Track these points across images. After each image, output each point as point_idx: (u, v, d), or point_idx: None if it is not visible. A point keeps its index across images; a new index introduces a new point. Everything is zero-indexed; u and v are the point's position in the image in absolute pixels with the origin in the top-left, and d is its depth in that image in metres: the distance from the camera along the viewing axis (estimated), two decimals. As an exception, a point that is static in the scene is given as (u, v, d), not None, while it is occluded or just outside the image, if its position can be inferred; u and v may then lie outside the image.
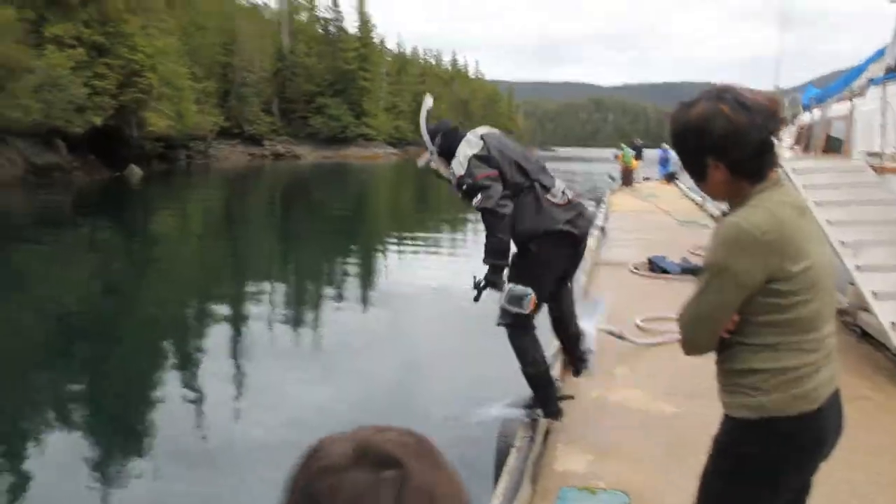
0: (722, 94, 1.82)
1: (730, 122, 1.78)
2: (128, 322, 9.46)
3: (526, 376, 4.10)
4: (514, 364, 4.10)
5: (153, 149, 43.29)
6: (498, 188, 3.71)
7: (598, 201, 18.99)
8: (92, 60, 36.29)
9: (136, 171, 37.76)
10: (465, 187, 3.80)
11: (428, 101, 4.22)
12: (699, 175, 1.91)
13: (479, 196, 3.72)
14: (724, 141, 1.79)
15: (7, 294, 10.69)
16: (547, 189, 3.90)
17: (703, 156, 1.85)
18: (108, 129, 37.67)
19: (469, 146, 3.85)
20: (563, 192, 3.96)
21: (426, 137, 4.06)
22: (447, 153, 3.97)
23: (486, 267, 3.87)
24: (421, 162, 4.20)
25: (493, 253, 3.82)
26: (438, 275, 12.64)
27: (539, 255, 3.86)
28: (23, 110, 29.97)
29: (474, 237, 19.13)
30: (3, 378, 7.00)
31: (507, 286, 3.88)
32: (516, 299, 3.83)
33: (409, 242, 17.63)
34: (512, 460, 3.36)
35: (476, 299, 3.97)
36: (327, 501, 0.69)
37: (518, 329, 3.94)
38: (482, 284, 3.92)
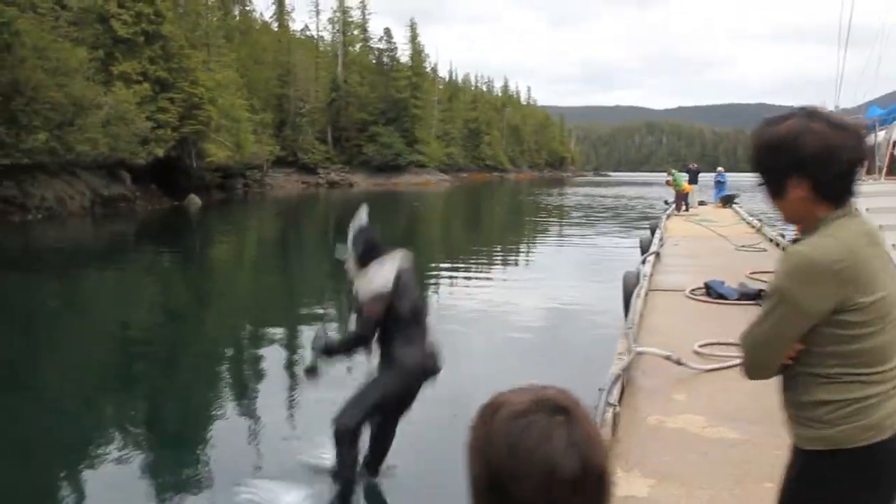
0: (812, 113, 1.80)
1: (822, 139, 1.74)
2: (187, 346, 9.74)
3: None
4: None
5: (212, 179, 44.75)
6: (374, 324, 4.34)
7: (654, 228, 18.77)
8: (155, 95, 37.82)
9: (195, 201, 38.99)
10: (358, 308, 4.44)
11: (363, 213, 4.78)
12: (778, 192, 1.86)
13: (362, 322, 4.38)
14: (813, 158, 1.75)
15: (75, 318, 11.15)
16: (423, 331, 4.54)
17: (787, 173, 1.80)
18: (169, 160, 39.08)
19: (380, 279, 4.37)
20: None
21: (350, 241, 4.62)
22: (363, 262, 4.52)
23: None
24: (341, 257, 4.68)
25: (339, 347, 4.53)
26: (491, 299, 12.68)
27: (400, 371, 4.42)
28: (91, 144, 31.33)
29: (526, 265, 19.13)
30: (70, 397, 7.29)
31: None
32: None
33: (461, 268, 17.71)
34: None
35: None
36: (523, 436, 0.94)
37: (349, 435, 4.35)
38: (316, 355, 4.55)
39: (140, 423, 6.69)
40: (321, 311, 12.29)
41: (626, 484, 3.74)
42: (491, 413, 0.99)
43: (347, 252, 4.59)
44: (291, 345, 9.51)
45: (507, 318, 11.22)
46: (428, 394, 4.68)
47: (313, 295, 14.28)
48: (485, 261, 19.54)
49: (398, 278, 4.40)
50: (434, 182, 77.77)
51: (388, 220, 36.43)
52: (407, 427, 4.80)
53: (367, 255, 4.53)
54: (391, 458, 4.82)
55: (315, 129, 69.92)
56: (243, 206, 43.12)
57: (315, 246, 25.05)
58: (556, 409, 0.97)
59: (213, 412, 6.85)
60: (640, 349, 5.69)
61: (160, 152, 37.20)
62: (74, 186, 33.14)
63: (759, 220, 18.15)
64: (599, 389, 4.53)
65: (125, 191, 36.56)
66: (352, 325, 4.54)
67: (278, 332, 10.41)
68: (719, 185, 29.74)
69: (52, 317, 11.68)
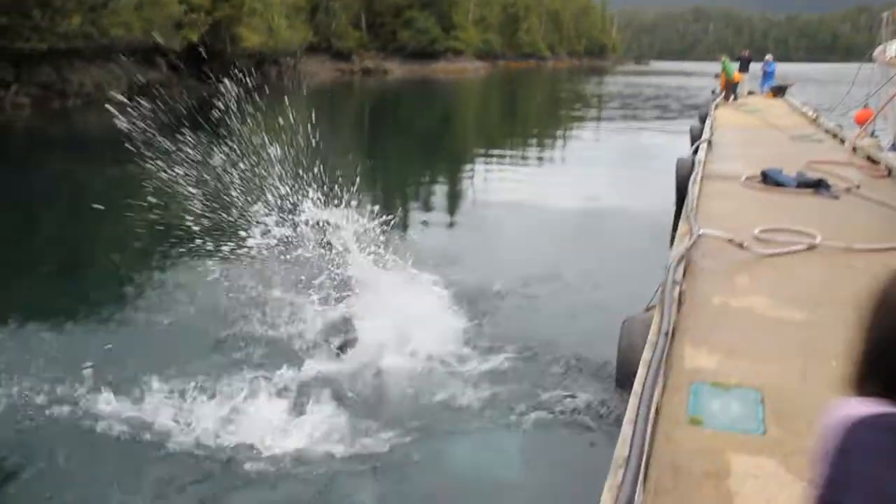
0: None
1: None
2: (224, 231, 9.70)
3: None
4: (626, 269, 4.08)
5: (246, 65, 43.97)
6: None
7: (703, 116, 18.19)
8: (187, -24, 36.82)
9: (230, 87, 38.61)
10: None
11: None
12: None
13: None
14: None
15: (117, 204, 11.25)
16: None
17: None
18: (204, 46, 38.46)
19: None
20: None
21: None
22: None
23: None
24: None
25: None
26: (533, 189, 12.59)
27: None
28: (125, 27, 30.86)
29: (567, 155, 18.83)
30: (118, 268, 7.49)
31: None
32: None
33: (501, 158, 17.51)
34: (647, 353, 3.40)
35: None
36: None
37: None
38: None
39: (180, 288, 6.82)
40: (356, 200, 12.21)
41: (694, 358, 3.78)
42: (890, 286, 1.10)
43: None
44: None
45: (551, 208, 11.16)
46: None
47: (347, 183, 14.23)
48: (525, 151, 19.28)
49: None
50: (470, 69, 75.81)
51: (424, 107, 35.89)
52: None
53: None
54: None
55: (349, 15, 67.77)
56: (279, 92, 42.58)
57: (349, 134, 24.86)
58: None
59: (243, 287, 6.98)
60: (702, 231, 5.62)
61: (194, 37, 36.62)
62: (111, 72, 32.95)
63: (815, 111, 17.45)
64: (665, 268, 4.52)
65: (160, 76, 36.28)
66: None
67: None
68: (767, 74, 28.44)
69: (99, 200, 11.88)
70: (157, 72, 36.36)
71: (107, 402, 4.54)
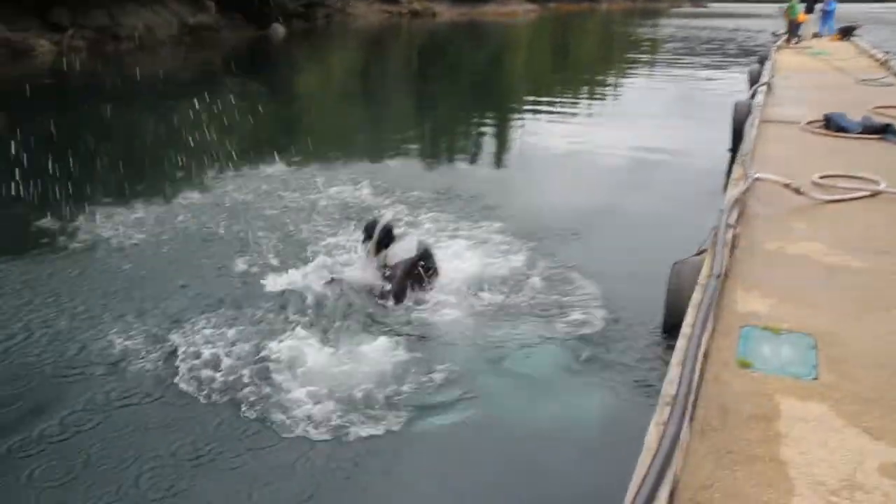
0: None
1: None
2: (274, 166, 9.80)
3: None
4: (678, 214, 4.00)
5: (294, 7, 43.79)
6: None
7: (762, 59, 17.47)
8: (235, -85, 36.40)
9: (279, 30, 38.53)
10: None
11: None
12: None
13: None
14: None
15: (166, 142, 11.45)
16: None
17: None
18: (252, -12, 38.27)
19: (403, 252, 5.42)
20: None
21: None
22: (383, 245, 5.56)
23: None
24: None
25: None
26: (578, 133, 12.37)
27: None
28: (175, -32, 30.87)
29: (614, 98, 18.36)
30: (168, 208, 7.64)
31: None
32: None
33: (551, 104, 17.18)
34: (697, 295, 3.34)
35: None
36: None
37: None
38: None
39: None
40: (402, 142, 12.21)
41: (746, 302, 3.71)
42: None
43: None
44: (371, 172, 9.47)
45: (603, 151, 10.96)
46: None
47: (395, 127, 14.22)
48: (576, 95, 18.88)
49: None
50: (521, 12, 73.90)
51: (473, 51, 35.27)
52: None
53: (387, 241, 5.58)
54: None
55: (397, -45, 66.41)
56: (326, 35, 42.41)
57: (397, 75, 24.65)
58: None
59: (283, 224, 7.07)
60: (757, 175, 5.45)
61: (243, -22, 36.45)
62: (162, 15, 33.15)
63: (885, 53, 16.58)
64: (720, 210, 4.41)
65: (210, 20, 36.35)
66: None
67: (363, 162, 10.46)
68: (826, 14, 26.95)
69: (152, 143, 12.13)
70: (207, 14, 36.39)
71: (148, 341, 4.71)
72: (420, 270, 5.31)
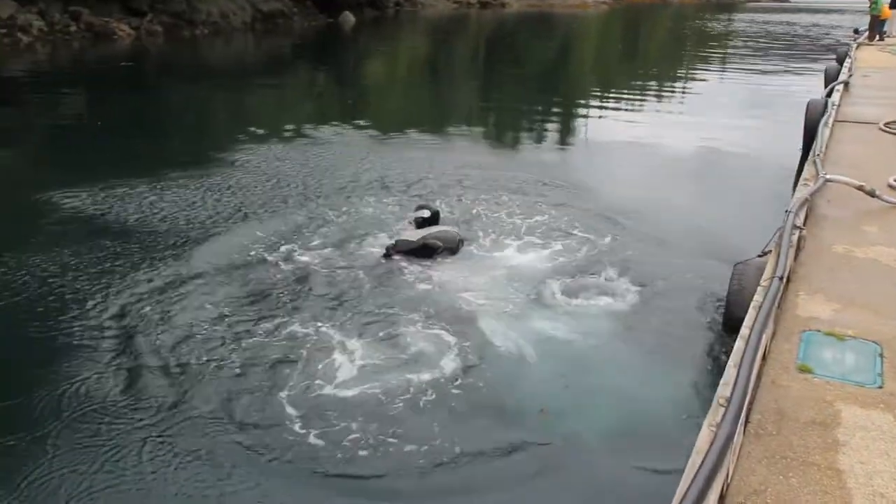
0: None
1: None
2: (339, 151, 9.94)
3: None
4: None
5: (365, -4, 44.32)
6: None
7: (841, 57, 16.78)
8: None
9: (349, 18, 38.98)
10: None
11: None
12: None
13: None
14: None
15: (243, 126, 11.76)
16: None
17: None
18: (324, -24, 38.81)
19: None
20: None
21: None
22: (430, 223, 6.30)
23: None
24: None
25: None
26: (646, 128, 12.14)
27: None
28: (250, -44, 31.50)
29: (683, 93, 17.93)
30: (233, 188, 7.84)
31: None
32: None
33: (620, 98, 16.91)
34: (758, 297, 3.27)
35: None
36: None
37: None
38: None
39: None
40: (467, 128, 12.21)
41: (808, 306, 3.61)
42: None
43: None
44: (437, 159, 9.49)
45: (670, 147, 10.75)
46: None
47: (461, 114, 14.24)
48: (645, 89, 18.53)
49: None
50: (591, 4, 72.77)
51: (542, 43, 34.94)
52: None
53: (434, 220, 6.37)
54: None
55: (467, -56, 66.15)
56: (395, 24, 42.67)
57: (463, 67, 24.62)
58: None
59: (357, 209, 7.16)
60: (829, 176, 5.27)
61: (316, -33, 36.97)
62: (236, 2, 33.92)
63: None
64: (786, 211, 4.28)
65: (283, 6, 37.02)
66: None
67: (428, 140, 10.52)
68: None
69: (225, 124, 12.47)
70: (279, 2, 37.07)
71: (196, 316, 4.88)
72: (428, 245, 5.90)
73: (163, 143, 10.54)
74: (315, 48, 27.66)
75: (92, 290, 5.22)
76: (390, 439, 3.64)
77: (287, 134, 10.75)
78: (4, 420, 3.75)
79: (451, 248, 5.98)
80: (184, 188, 7.74)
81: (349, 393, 4.00)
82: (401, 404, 3.91)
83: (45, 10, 25.38)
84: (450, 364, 4.30)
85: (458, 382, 4.12)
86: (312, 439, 3.64)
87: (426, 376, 4.15)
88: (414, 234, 6.03)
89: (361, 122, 12.24)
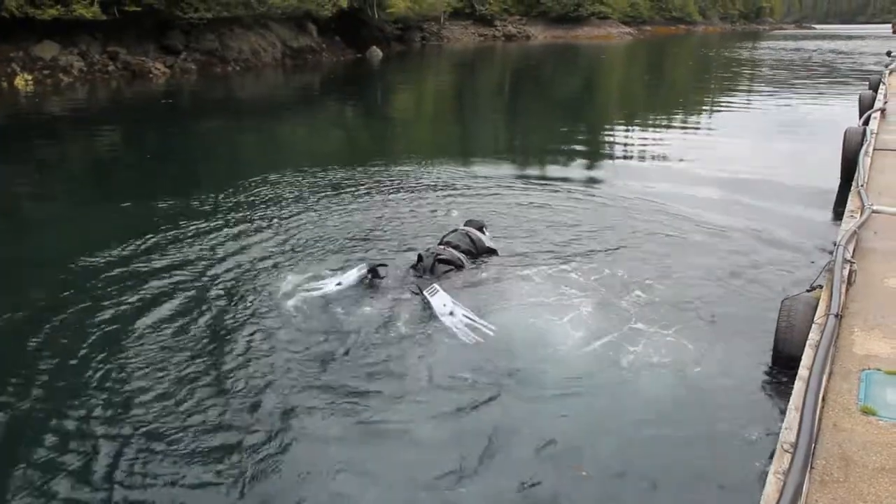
0: None
1: None
2: (364, 184, 10.05)
3: None
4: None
5: (391, 31, 45.11)
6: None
7: (874, 84, 16.60)
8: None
9: (376, 52, 39.67)
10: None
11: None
12: None
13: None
14: None
15: (267, 160, 11.91)
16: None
17: None
18: (352, 12, 39.60)
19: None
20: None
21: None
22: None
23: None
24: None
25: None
26: (675, 157, 12.08)
27: None
28: (281, -3, 32.28)
29: (710, 123, 17.83)
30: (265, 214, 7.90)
31: None
32: None
33: (652, 124, 16.87)
34: (815, 335, 3.18)
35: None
36: None
37: None
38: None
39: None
40: (494, 160, 12.23)
41: (865, 343, 3.51)
42: None
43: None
44: (463, 190, 9.52)
45: (701, 176, 10.64)
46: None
47: (487, 146, 14.29)
48: (671, 119, 18.47)
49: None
50: (615, 35, 73.27)
51: (567, 73, 35.12)
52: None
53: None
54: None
55: (492, -21, 67.12)
56: (421, 58, 43.24)
57: (490, 97, 24.79)
58: None
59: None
60: (876, 207, 5.16)
61: (344, 3, 37.69)
62: (266, 39, 34.68)
63: None
64: (835, 244, 4.19)
65: (312, 43, 37.80)
66: None
67: (456, 175, 10.54)
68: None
69: (254, 157, 12.66)
70: (308, 37, 37.86)
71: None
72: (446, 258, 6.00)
73: (207, 174, 10.78)
74: (340, 81, 28.11)
75: (147, 323, 5.25)
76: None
77: (312, 162, 10.88)
78: None
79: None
80: (251, 226, 7.77)
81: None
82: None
83: (86, 51, 26.17)
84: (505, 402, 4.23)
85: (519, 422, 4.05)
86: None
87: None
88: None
89: (388, 151, 12.35)
